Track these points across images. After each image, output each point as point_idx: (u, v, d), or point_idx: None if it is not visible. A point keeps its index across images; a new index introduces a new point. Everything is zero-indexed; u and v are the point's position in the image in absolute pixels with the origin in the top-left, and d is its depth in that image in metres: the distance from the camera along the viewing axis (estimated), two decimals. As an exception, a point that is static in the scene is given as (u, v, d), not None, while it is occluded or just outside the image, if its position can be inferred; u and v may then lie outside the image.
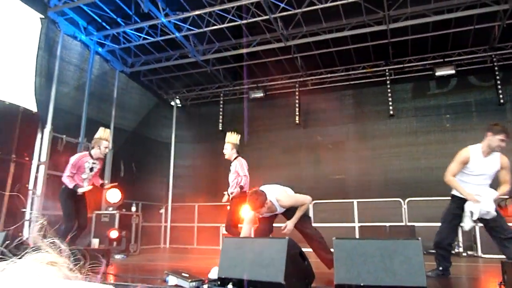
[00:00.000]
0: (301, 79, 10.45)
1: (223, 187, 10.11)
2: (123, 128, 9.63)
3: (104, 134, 5.58)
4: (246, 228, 4.58)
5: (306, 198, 4.37)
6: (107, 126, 9.19)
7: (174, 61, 9.56)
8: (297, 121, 10.28)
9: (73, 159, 5.46)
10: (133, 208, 8.65)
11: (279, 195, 4.31)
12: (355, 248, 2.99)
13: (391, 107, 9.58)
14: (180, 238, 10.49)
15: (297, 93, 10.41)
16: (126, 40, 8.68)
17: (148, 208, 10.01)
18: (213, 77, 10.78)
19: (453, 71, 8.92)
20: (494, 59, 8.96)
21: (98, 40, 8.60)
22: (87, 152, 5.61)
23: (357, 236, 8.43)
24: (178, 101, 11.97)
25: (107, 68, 9.25)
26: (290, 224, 4.39)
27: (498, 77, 8.92)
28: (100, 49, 8.83)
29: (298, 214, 4.37)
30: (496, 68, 8.95)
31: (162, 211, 10.74)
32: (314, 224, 8.76)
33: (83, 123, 8.14)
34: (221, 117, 11.20)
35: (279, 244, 3.07)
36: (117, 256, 7.11)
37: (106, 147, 5.52)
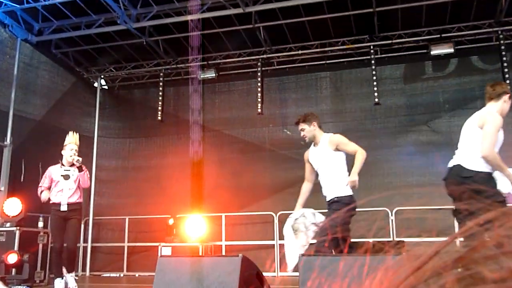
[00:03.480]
0: (265, 56, 10.51)
1: (163, 195, 10.05)
2: (26, 116, 9.38)
3: (68, 138, 6.57)
4: None
5: (362, 150, 4.72)
6: (2, 112, 8.89)
7: (98, 29, 9.38)
8: (259, 110, 10.33)
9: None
10: (40, 224, 8.35)
11: (333, 135, 4.85)
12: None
13: (376, 94, 9.83)
14: (105, 263, 10.31)
15: (259, 74, 10.46)
16: (31, -2, 8.42)
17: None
18: (150, 51, 10.65)
19: (451, 50, 9.26)
20: (501, 36, 9.39)
21: (-8, -3, 8.28)
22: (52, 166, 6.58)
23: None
24: (103, 82, 11.81)
25: (5, 36, 9.01)
26: (353, 175, 4.54)
27: (504, 59, 9.35)
28: (-6, 9, 8.52)
29: (357, 164, 4.58)
30: (502, 48, 9.38)
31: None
32: (281, 240, 8.85)
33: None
34: (160, 103, 11.07)
35: (230, 264, 3.08)
36: (17, 289, 6.88)
37: (72, 150, 6.44)
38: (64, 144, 6.58)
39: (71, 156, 6.44)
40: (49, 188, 6.46)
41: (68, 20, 9.41)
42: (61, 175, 6.44)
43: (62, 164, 6.53)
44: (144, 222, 10.13)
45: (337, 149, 4.80)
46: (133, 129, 11.51)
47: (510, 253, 0.42)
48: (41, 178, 6.57)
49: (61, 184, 6.40)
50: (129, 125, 11.60)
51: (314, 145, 4.95)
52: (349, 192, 4.69)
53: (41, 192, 6.47)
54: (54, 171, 6.49)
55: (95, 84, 11.70)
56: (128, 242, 10.35)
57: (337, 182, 4.78)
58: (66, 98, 10.64)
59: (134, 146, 11.37)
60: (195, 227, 9.02)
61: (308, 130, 4.84)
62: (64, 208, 6.34)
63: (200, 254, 8.44)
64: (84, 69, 11.35)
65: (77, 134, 6.70)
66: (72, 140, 6.57)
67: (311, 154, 5.01)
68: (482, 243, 0.43)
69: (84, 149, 10.95)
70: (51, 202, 6.41)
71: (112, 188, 11.16)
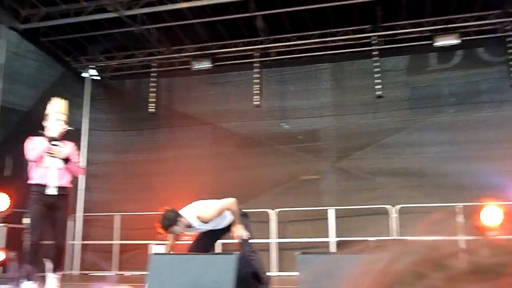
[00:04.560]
0: (262, 46, 10.43)
1: (156, 191, 9.95)
2: (13, 107, 9.30)
3: (52, 106, 5.51)
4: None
5: (229, 201, 5.07)
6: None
7: (88, 16, 9.27)
8: (257, 103, 10.25)
9: (25, 145, 5.34)
10: (26, 220, 8.26)
11: (199, 211, 4.93)
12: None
13: (378, 86, 9.76)
14: (94, 261, 10.20)
15: (256, 65, 10.38)
16: (17, -17, 8.31)
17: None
18: (142, 40, 10.55)
19: (457, 41, 9.21)
20: (507, 27, 9.34)
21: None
22: (34, 136, 5.41)
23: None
24: (93, 72, 11.73)
25: (-10, 23, 8.89)
26: (236, 229, 5.02)
27: (511, 51, 9.33)
28: (-22, -5, 8.41)
29: (235, 218, 5.07)
30: (508, 40, 9.36)
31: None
32: (279, 239, 8.81)
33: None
34: (153, 95, 10.99)
35: (225, 263, 3.07)
36: None
37: (57, 120, 5.40)
38: (46, 113, 5.47)
39: (59, 126, 5.35)
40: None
41: (57, 7, 9.29)
42: (47, 152, 5.24)
43: (46, 138, 5.32)
44: (136, 219, 10.04)
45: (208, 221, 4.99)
46: (125, 121, 11.43)
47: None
48: (27, 174, 5.34)
49: (48, 161, 5.24)
50: (120, 117, 11.53)
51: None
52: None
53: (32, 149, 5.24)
54: (40, 143, 5.24)
55: (85, 74, 11.63)
56: (119, 239, 10.31)
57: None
58: (54, 89, 10.48)
59: (125, 140, 11.29)
60: (189, 224, 8.93)
61: (179, 229, 4.93)
62: (52, 191, 5.24)
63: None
64: (73, 59, 11.25)
65: (65, 101, 5.64)
66: (58, 108, 5.47)
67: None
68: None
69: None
70: (32, 182, 5.25)
71: (102, 183, 11.08)
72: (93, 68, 11.67)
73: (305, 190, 9.92)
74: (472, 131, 9.35)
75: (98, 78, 11.86)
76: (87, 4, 9.17)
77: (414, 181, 9.45)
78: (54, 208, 5.32)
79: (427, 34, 9.67)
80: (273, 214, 9.44)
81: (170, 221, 4.76)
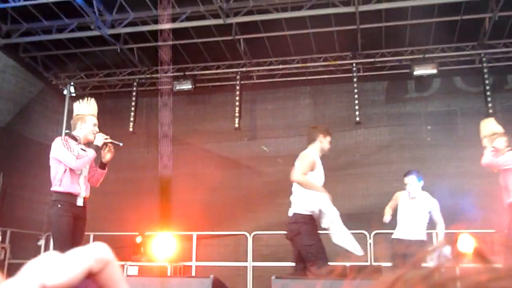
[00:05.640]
0: (244, 69, 10.58)
1: (131, 211, 9.92)
2: (-11, 122, 9.22)
3: (88, 109, 5.08)
4: None
5: None
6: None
7: (70, 34, 9.32)
8: (237, 125, 10.35)
9: (56, 145, 4.75)
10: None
11: None
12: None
13: (358, 112, 9.96)
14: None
15: (237, 87, 10.50)
16: (0, -1, 8.34)
17: (20, 238, 9.57)
18: (124, 59, 10.63)
19: (434, 71, 9.49)
20: (484, 59, 9.67)
21: (-42, -4, 8.17)
22: (65, 137, 4.92)
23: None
24: (72, 89, 11.72)
25: (-30, 37, 8.85)
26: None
27: (487, 82, 9.61)
28: (-40, 9, 8.40)
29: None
30: (485, 71, 9.65)
31: (41, 242, 10.30)
32: (254, 263, 8.87)
33: None
34: (132, 114, 10.99)
35: (201, 286, 3.07)
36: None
37: (95, 124, 5.04)
38: (78, 113, 5.01)
39: (94, 132, 4.97)
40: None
41: (39, 23, 9.32)
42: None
43: (76, 141, 4.87)
44: (111, 239, 9.94)
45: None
46: (103, 140, 11.36)
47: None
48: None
49: (84, 172, 4.91)
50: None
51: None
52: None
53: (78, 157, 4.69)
54: (73, 146, 4.76)
55: (64, 92, 11.58)
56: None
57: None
58: (33, 105, 10.49)
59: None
60: (164, 246, 8.93)
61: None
62: (80, 202, 4.89)
63: (169, 275, 8.36)
64: (53, 75, 11.22)
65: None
66: (93, 111, 5.09)
67: None
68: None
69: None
70: (62, 191, 4.75)
71: (78, 202, 10.94)
72: (72, 85, 11.64)
73: (280, 213, 9.93)
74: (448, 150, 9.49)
75: (77, 95, 11.84)
76: (69, 22, 9.22)
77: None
78: (78, 219, 4.91)
79: (406, 62, 9.96)
80: (249, 237, 9.48)
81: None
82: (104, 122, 11.36)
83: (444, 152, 9.62)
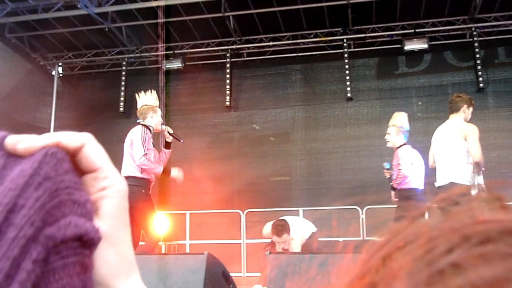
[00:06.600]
0: (234, 47, 10.56)
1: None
2: (-23, 105, 9.19)
3: (155, 100, 5.40)
4: None
5: None
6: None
7: (56, 13, 9.24)
8: (228, 103, 10.38)
9: (138, 133, 5.02)
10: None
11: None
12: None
13: (349, 88, 10.02)
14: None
15: (228, 65, 10.51)
16: (-16, -22, 8.24)
17: None
18: (112, 38, 10.56)
19: (425, 45, 9.54)
20: (474, 33, 9.73)
21: None
22: (144, 128, 5.11)
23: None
24: (60, 70, 11.68)
25: (-46, 17, 8.76)
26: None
27: (478, 56, 9.70)
28: None
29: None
30: (476, 45, 9.72)
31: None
32: (248, 240, 9.01)
33: None
34: (122, 93, 10.97)
35: (195, 262, 3.11)
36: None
37: (161, 116, 5.40)
38: (147, 104, 5.30)
39: (163, 125, 5.32)
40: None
41: (24, 2, 9.19)
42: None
43: (150, 131, 5.14)
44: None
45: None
46: (93, 121, 11.32)
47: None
48: None
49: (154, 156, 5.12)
50: (89, 116, 11.39)
51: None
52: None
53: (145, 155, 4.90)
54: (149, 139, 5.03)
55: (52, 72, 11.53)
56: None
57: None
58: (20, 87, 10.44)
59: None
60: (158, 225, 8.99)
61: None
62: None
63: (163, 253, 8.45)
64: (40, 56, 11.15)
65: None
66: (158, 103, 5.44)
67: None
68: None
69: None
70: (145, 176, 5.08)
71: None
72: (61, 66, 11.58)
73: (274, 191, 10.04)
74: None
75: (66, 75, 11.79)
76: (56, 1, 9.13)
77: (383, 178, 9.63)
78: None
79: (397, 38, 9.99)
80: (243, 215, 9.57)
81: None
82: (94, 103, 11.45)
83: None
